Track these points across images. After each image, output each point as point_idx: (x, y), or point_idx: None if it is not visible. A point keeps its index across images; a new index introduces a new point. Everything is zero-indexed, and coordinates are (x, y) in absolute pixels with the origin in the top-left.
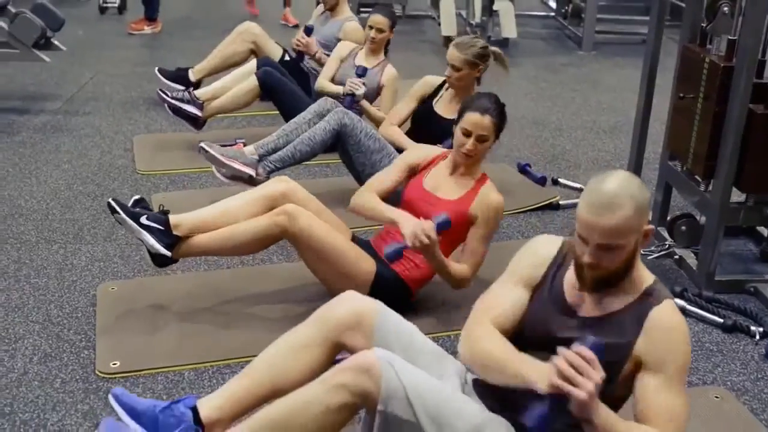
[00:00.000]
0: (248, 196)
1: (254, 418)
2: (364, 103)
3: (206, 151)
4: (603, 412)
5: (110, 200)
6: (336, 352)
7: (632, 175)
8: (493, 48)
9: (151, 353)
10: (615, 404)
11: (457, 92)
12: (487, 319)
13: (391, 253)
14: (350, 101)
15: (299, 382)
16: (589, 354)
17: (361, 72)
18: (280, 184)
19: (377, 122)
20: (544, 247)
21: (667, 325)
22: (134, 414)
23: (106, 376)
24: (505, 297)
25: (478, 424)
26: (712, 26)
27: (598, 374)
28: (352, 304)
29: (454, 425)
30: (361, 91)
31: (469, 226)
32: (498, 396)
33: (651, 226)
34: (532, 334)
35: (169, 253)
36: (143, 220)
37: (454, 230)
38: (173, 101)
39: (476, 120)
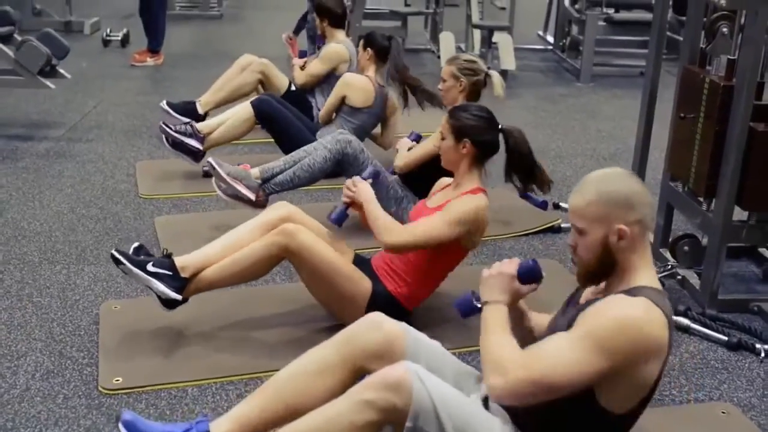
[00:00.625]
0: (248, 227)
1: None
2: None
3: (213, 168)
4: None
5: (113, 252)
6: (358, 376)
7: (624, 172)
8: (489, 70)
9: (154, 370)
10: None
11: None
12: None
13: (335, 217)
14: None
15: (318, 405)
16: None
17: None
18: (279, 210)
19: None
20: None
21: (611, 300)
22: None
23: (108, 392)
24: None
25: None
26: (711, 47)
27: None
28: (383, 330)
29: None
30: None
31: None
32: (517, 413)
33: (623, 226)
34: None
35: (180, 297)
36: (150, 267)
37: None
38: (176, 134)
39: (443, 119)
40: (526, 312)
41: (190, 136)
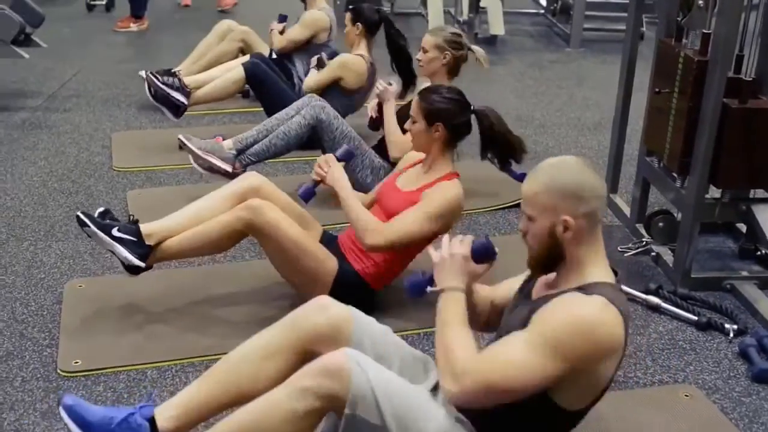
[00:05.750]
0: (217, 196)
1: (218, 427)
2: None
3: (184, 144)
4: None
5: (78, 213)
6: (305, 359)
7: (579, 162)
8: (472, 45)
9: (114, 351)
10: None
11: (426, 78)
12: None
13: (302, 192)
14: None
15: (266, 389)
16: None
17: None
18: (248, 180)
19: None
20: None
21: (567, 300)
22: (87, 427)
23: (67, 374)
24: (507, 282)
25: (445, 429)
26: (686, 20)
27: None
28: (328, 314)
29: (422, 429)
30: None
31: None
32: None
33: (569, 218)
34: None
35: (143, 264)
36: (115, 232)
37: None
38: (162, 86)
39: (413, 102)
40: (480, 293)
41: (177, 89)
